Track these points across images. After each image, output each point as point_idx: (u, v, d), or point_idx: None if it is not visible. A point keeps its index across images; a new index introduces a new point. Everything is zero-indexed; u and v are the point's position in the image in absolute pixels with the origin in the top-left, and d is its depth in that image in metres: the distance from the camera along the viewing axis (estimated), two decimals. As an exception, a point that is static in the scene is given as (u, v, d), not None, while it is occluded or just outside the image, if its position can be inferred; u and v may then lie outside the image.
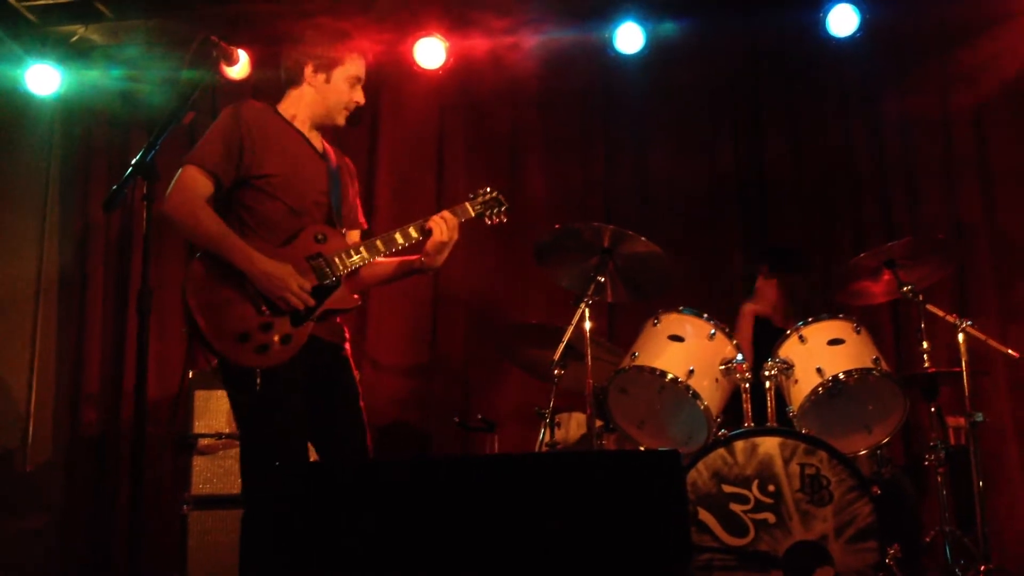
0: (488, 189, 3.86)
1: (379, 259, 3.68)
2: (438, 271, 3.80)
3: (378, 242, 3.60)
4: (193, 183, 3.43)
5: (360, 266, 3.58)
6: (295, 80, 3.69)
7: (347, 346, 3.70)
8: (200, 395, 5.17)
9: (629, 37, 5.86)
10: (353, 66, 3.68)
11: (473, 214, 3.78)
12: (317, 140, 3.72)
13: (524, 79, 6.10)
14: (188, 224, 3.41)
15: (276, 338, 3.38)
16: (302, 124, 3.68)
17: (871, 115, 5.97)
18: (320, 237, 3.53)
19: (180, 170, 3.46)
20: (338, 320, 3.67)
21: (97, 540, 6.02)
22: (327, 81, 3.66)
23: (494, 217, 3.84)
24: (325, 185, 3.63)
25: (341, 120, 3.73)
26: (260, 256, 3.38)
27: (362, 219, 3.88)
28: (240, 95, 6.32)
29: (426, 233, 3.65)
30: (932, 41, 5.91)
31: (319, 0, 5.90)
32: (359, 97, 3.72)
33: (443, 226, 3.63)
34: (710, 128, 6.12)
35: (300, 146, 3.64)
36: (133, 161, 3.05)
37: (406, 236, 3.64)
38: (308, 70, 3.66)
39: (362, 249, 3.56)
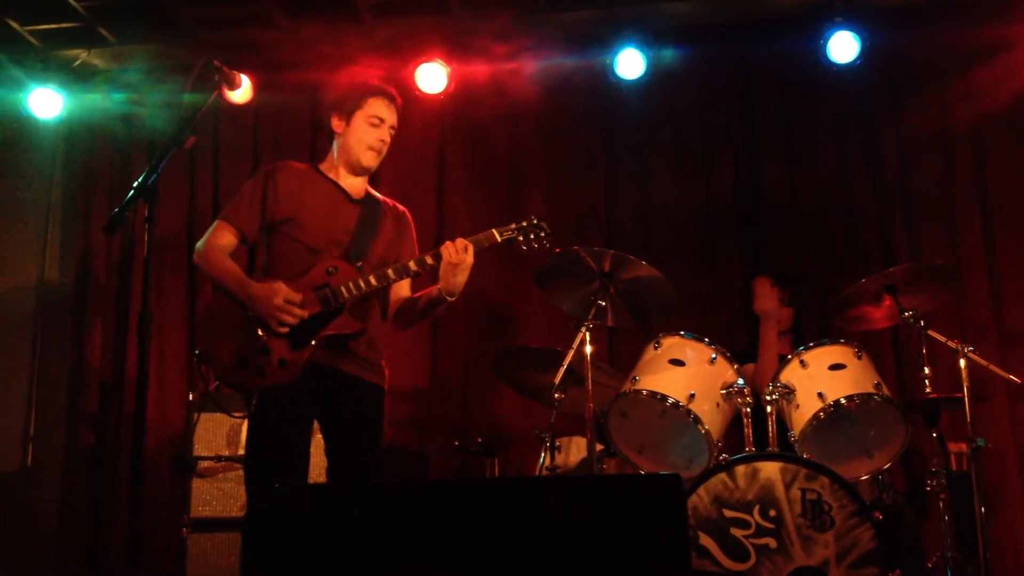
0: (532, 217, 3.89)
1: (404, 302, 3.90)
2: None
3: (389, 270, 3.71)
4: (215, 236, 3.77)
5: (368, 292, 3.68)
6: (329, 136, 3.93)
7: (384, 384, 3.85)
8: (200, 417, 5.16)
9: (630, 63, 5.88)
10: (372, 107, 3.84)
11: (500, 239, 3.80)
12: (357, 189, 3.91)
13: (525, 104, 6.13)
14: (204, 268, 3.77)
15: (273, 361, 3.56)
16: (337, 175, 3.89)
17: (869, 141, 5.98)
18: (331, 270, 3.67)
19: (212, 225, 3.82)
20: (383, 363, 3.86)
21: (96, 562, 5.98)
22: (348, 125, 3.85)
23: (534, 243, 3.86)
24: (351, 226, 3.80)
25: (367, 160, 3.87)
26: (252, 283, 3.62)
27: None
28: (242, 119, 6.38)
29: (439, 259, 3.71)
30: (931, 68, 5.94)
31: (319, 27, 5.94)
32: (383, 136, 3.86)
33: (451, 249, 3.69)
34: (710, 153, 6.13)
35: (328, 192, 3.85)
36: (135, 184, 3.08)
37: (421, 263, 3.73)
38: (334, 121, 3.89)
39: (371, 278, 3.67)
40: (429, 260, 3.72)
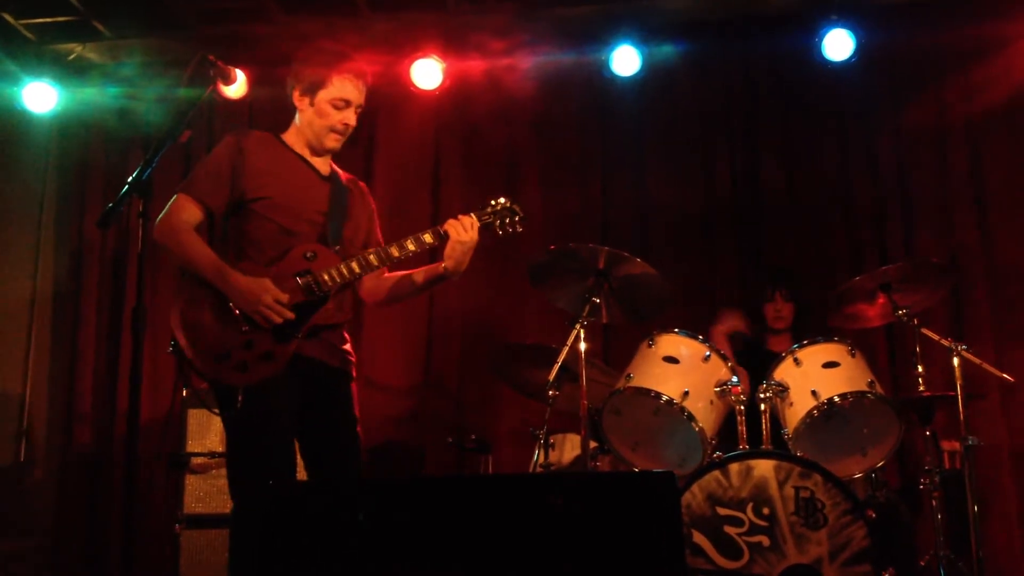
0: (502, 199, 3.74)
1: (398, 276, 3.75)
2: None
3: (371, 256, 3.56)
4: (179, 211, 3.49)
5: (351, 280, 3.55)
6: (291, 107, 3.71)
7: (353, 372, 3.70)
8: (193, 414, 5.17)
9: (625, 60, 5.89)
10: (337, 88, 3.61)
11: (479, 224, 3.66)
12: (323, 164, 3.73)
13: (521, 100, 6.12)
14: (171, 248, 3.47)
15: (257, 355, 3.39)
16: (302, 150, 3.69)
17: (866, 139, 5.99)
18: (310, 255, 3.51)
19: (172, 198, 3.52)
20: (348, 347, 3.69)
21: (90, 559, 5.99)
22: (312, 104, 3.64)
23: (508, 227, 3.73)
24: (324, 206, 3.63)
25: (330, 143, 3.67)
26: (236, 274, 3.40)
27: (379, 240, 3.83)
28: (237, 114, 6.37)
29: (443, 237, 3.60)
30: (927, 65, 5.94)
31: (316, 22, 5.94)
32: (347, 119, 3.65)
33: (459, 227, 3.58)
34: (706, 151, 6.14)
35: (298, 169, 3.66)
36: (129, 179, 3.05)
37: (419, 243, 3.59)
38: (296, 95, 3.68)
39: (353, 264, 3.53)
40: (428, 239, 3.59)
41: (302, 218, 3.57)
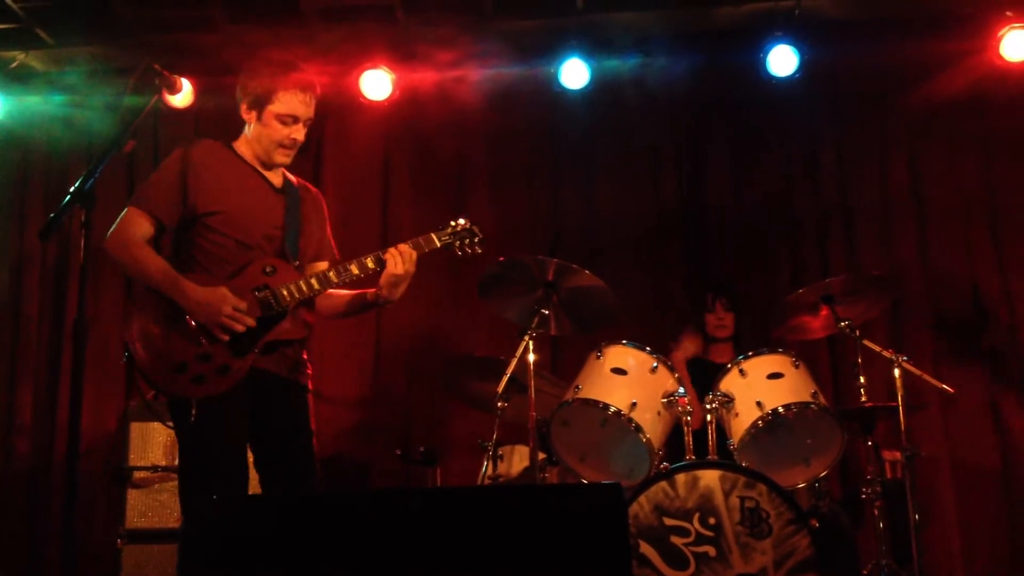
0: (461, 220, 3.75)
1: (334, 291, 3.67)
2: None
3: (331, 274, 3.55)
4: (130, 224, 3.45)
5: (310, 296, 3.54)
6: (241, 117, 3.66)
7: (310, 385, 3.68)
8: (136, 427, 5.08)
9: (574, 73, 5.92)
10: (284, 103, 3.54)
11: (439, 244, 3.67)
12: (276, 175, 3.68)
13: (470, 112, 6.13)
14: (125, 262, 3.46)
15: (214, 368, 3.36)
16: (253, 160, 3.65)
17: (809, 153, 6.08)
18: (269, 270, 3.49)
19: (123, 211, 3.48)
20: (304, 356, 3.67)
21: (29, 574, 5.86)
22: (259, 119, 3.58)
23: (467, 248, 3.74)
24: (280, 220, 3.60)
25: (279, 158, 3.62)
26: (193, 287, 3.37)
27: (333, 250, 3.83)
28: (183, 124, 6.30)
29: (383, 264, 3.57)
30: (869, 82, 6.05)
31: (263, 32, 5.89)
32: (295, 134, 3.59)
33: (398, 259, 3.55)
34: (653, 164, 6.20)
35: (252, 181, 3.62)
36: (71, 189, 3.00)
37: (362, 267, 3.57)
38: (243, 108, 3.62)
39: (313, 280, 3.51)
40: (372, 265, 3.56)
41: (258, 233, 3.54)
